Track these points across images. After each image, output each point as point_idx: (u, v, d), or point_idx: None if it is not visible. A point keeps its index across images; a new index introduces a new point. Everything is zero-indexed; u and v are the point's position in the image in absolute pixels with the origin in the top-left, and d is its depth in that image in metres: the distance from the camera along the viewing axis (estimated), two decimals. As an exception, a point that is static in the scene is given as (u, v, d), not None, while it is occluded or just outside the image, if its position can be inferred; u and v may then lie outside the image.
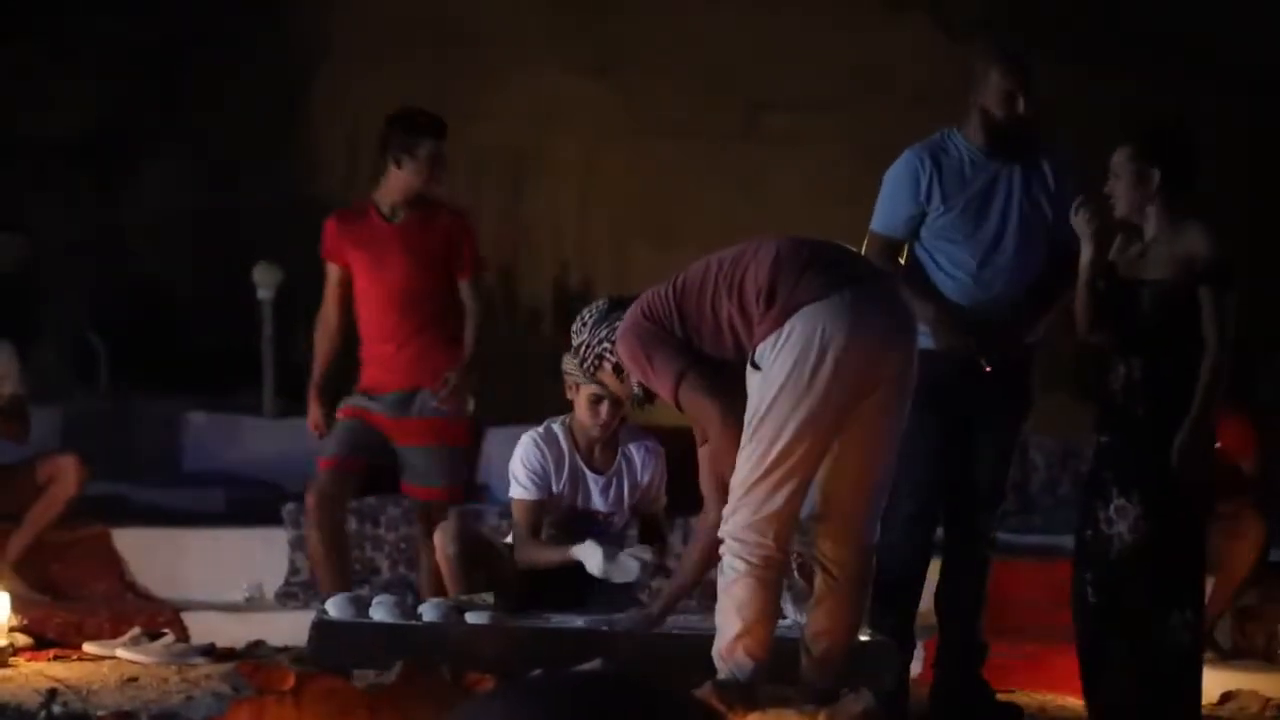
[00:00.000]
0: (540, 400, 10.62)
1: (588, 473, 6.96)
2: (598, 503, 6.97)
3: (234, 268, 12.99)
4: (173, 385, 12.61)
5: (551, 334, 14.79)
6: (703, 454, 5.77)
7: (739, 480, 5.49)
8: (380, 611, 6.35)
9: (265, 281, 11.81)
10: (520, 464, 6.90)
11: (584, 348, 6.34)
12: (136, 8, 15.16)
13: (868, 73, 15.51)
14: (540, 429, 6.97)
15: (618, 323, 5.98)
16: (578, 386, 6.82)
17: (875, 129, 14.91)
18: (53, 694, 5.38)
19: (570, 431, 6.96)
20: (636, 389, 6.06)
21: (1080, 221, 6.35)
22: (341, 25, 15.52)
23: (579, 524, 6.91)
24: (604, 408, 6.81)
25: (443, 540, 6.88)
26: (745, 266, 5.57)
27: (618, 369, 6.22)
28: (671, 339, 5.66)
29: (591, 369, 6.36)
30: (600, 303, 6.38)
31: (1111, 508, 6.38)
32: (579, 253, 15.32)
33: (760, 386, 5.44)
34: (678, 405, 5.65)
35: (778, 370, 5.40)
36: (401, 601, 6.46)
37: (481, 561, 6.84)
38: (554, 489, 6.89)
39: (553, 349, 13.90)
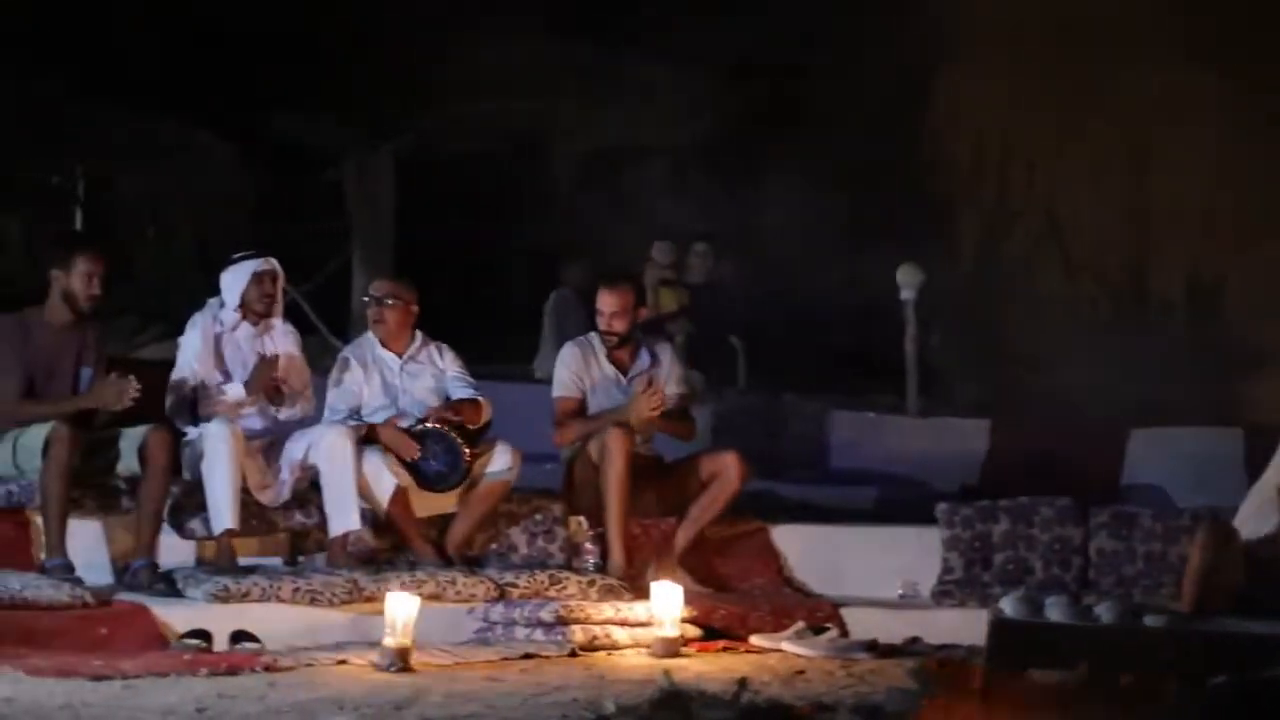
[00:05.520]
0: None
1: None
2: None
3: (867, 269, 13.19)
4: (808, 383, 12.84)
5: (1182, 330, 14.56)
6: None
7: None
8: (1056, 611, 6.39)
9: (908, 282, 11.91)
10: None
11: None
12: (744, 19, 15.53)
13: None
14: None
15: None
16: None
17: None
18: (744, 682, 5.62)
19: None
20: None
21: None
22: (960, 27, 15.59)
23: None
24: None
25: (1201, 545, 6.92)
26: None
27: None
28: None
29: None
30: None
31: None
32: (1210, 247, 15.01)
33: None
34: None
35: None
36: (1075, 601, 6.49)
37: (1226, 572, 6.85)
38: None
39: (1186, 346, 13.74)
